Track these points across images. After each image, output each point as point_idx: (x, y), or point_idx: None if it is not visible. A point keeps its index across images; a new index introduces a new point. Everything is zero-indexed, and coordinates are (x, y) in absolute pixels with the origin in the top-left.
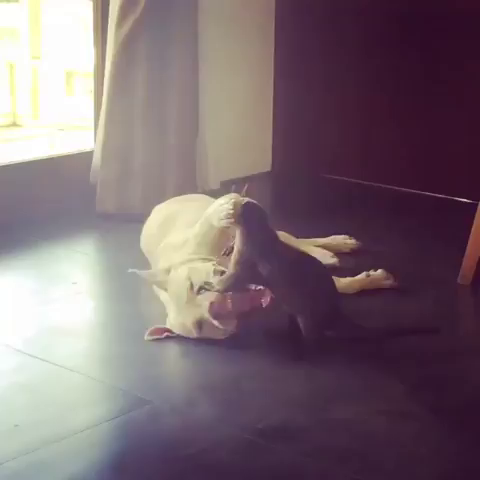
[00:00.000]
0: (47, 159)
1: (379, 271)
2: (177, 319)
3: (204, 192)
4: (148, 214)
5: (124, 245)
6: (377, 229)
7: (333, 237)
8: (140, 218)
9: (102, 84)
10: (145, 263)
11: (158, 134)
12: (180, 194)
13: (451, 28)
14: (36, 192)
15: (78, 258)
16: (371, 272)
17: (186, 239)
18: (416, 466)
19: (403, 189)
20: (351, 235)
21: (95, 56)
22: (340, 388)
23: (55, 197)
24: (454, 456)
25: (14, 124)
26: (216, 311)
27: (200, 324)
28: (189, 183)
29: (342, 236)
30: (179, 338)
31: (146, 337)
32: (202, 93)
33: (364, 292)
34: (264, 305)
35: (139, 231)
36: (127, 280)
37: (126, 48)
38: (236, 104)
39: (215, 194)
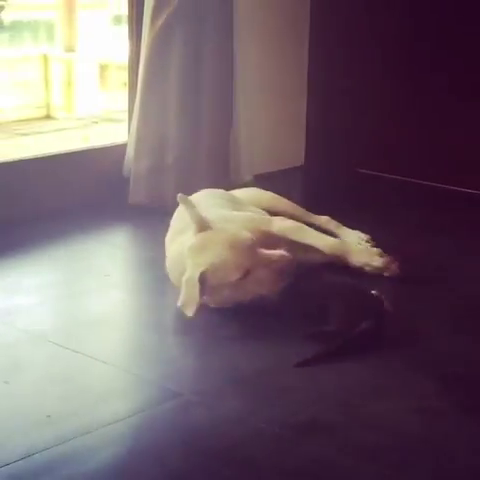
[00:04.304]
0: (81, 151)
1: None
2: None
3: (237, 185)
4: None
5: (156, 237)
6: (411, 225)
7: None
8: (173, 210)
9: (136, 77)
10: None
11: (192, 127)
12: (212, 188)
13: None
14: (69, 184)
15: (110, 250)
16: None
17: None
18: (448, 464)
19: (437, 185)
20: (383, 231)
21: (130, 49)
22: (372, 385)
23: (88, 189)
24: None
25: (48, 116)
26: None
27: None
28: (222, 177)
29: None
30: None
31: None
32: (236, 87)
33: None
34: None
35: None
36: (159, 272)
37: (160, 41)
38: (270, 98)
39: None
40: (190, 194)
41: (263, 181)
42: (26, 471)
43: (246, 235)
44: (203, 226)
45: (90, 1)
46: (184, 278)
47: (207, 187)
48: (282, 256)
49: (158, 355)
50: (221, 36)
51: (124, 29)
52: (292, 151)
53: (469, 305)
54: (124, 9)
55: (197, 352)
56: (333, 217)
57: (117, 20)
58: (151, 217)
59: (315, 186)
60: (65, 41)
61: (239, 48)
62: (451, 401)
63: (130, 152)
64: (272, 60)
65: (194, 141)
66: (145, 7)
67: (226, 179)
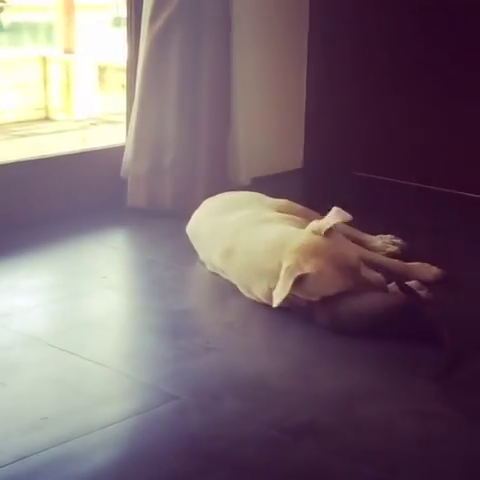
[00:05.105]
0: (79, 153)
1: (413, 282)
2: None
3: (235, 189)
4: (179, 210)
5: (154, 240)
6: (409, 228)
7: (379, 236)
8: (171, 213)
9: (135, 79)
10: (175, 258)
11: (190, 129)
12: (211, 190)
13: None
14: (67, 186)
15: (108, 252)
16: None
17: None
18: (444, 466)
19: (435, 188)
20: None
21: (128, 51)
22: (369, 387)
23: (86, 191)
24: None
25: (46, 118)
26: None
27: None
28: (220, 180)
29: (389, 236)
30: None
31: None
32: (234, 90)
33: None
34: None
35: (170, 226)
36: (157, 275)
37: (159, 43)
38: (268, 101)
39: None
40: (188, 197)
41: (261, 184)
42: (22, 473)
43: (354, 256)
44: (319, 230)
45: (89, 3)
46: (284, 267)
47: (205, 190)
48: (381, 282)
49: (154, 357)
50: (219, 38)
51: (123, 31)
52: (291, 154)
53: (469, 307)
54: (123, 11)
55: (193, 355)
56: None
57: (116, 22)
58: (149, 219)
59: (314, 189)
60: (64, 43)
61: (237, 50)
62: (448, 404)
63: (128, 154)
64: (270, 62)
65: (192, 143)
66: (144, 9)
67: (224, 181)
